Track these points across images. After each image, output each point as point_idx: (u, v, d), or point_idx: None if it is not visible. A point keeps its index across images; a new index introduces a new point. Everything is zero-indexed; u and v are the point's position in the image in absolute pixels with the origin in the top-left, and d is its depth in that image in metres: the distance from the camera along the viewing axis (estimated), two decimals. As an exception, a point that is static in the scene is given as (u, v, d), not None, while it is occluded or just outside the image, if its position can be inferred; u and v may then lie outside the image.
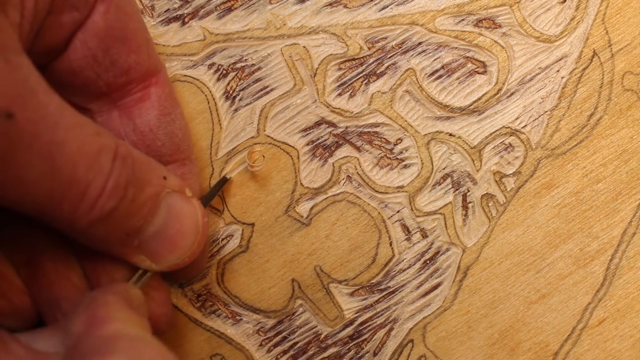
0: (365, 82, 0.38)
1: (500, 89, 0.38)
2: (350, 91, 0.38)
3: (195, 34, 0.38)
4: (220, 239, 0.37)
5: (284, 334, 0.37)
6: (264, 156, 0.37)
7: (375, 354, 0.37)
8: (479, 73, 0.38)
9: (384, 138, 0.38)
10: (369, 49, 0.38)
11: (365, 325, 0.37)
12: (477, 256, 0.37)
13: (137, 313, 0.31)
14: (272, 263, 0.37)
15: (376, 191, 0.38)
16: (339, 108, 0.38)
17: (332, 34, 0.38)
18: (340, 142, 0.38)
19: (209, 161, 0.38)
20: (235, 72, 0.38)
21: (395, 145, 0.38)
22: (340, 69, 0.38)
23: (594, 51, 0.38)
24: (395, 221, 0.38)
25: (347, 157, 0.38)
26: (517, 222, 0.38)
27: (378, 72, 0.38)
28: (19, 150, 0.27)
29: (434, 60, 0.38)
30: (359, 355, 0.37)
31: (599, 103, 0.38)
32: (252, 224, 0.37)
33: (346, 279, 0.37)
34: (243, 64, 0.38)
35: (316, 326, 0.37)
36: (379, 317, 0.37)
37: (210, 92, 0.38)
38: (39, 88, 0.28)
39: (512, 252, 0.37)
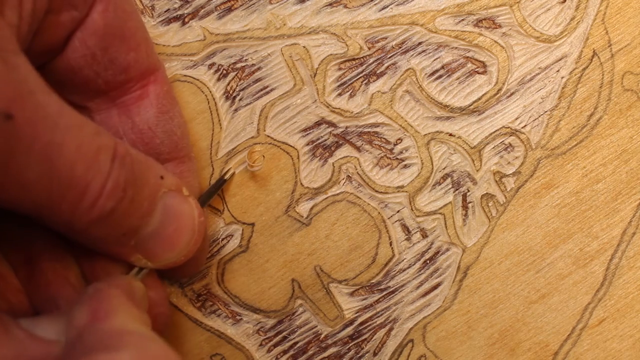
0: (365, 82, 0.38)
1: (500, 89, 0.38)
2: (350, 91, 0.38)
3: (196, 34, 0.38)
4: (220, 239, 0.37)
5: (284, 333, 0.37)
6: (263, 156, 0.37)
7: (375, 354, 0.37)
8: (479, 73, 0.38)
9: (384, 138, 0.38)
10: (369, 49, 0.38)
11: (365, 325, 0.37)
12: (477, 256, 0.37)
13: (138, 308, 0.31)
14: (272, 263, 0.37)
15: (376, 191, 0.38)
16: (339, 108, 0.38)
17: (332, 34, 0.38)
18: (340, 142, 0.38)
19: (209, 161, 0.38)
20: (235, 72, 0.38)
21: (395, 145, 0.38)
22: (340, 69, 0.38)
23: (594, 51, 0.38)
24: (395, 221, 0.38)
25: (347, 157, 0.38)
26: (517, 222, 0.38)
27: (378, 72, 0.38)
28: (18, 151, 0.27)
29: (434, 60, 0.38)
30: (359, 355, 0.37)
31: (599, 103, 0.38)
32: (252, 224, 0.38)
33: (346, 278, 0.37)
34: (243, 64, 0.38)
35: (316, 326, 0.37)
36: (379, 317, 0.37)
37: (210, 92, 0.38)
38: (38, 88, 0.28)
39: (512, 252, 0.37)
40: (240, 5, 0.38)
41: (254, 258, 0.37)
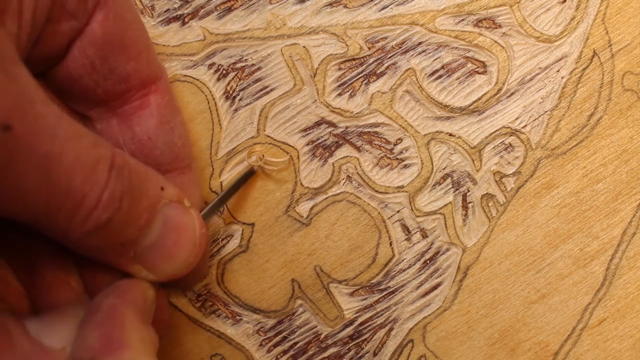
0: (365, 82, 0.38)
1: (500, 89, 0.38)
2: (350, 91, 0.38)
3: (195, 34, 0.38)
4: (220, 239, 0.37)
5: (284, 334, 0.37)
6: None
7: (375, 354, 0.37)
8: (479, 73, 0.38)
9: (384, 138, 0.38)
10: (369, 49, 0.38)
11: (365, 325, 0.37)
12: (477, 256, 0.37)
13: (148, 328, 0.31)
14: (272, 263, 0.37)
15: (376, 191, 0.38)
16: (339, 108, 0.38)
17: (332, 34, 0.38)
18: (340, 142, 0.38)
19: (209, 161, 0.38)
20: (235, 72, 0.38)
21: (395, 145, 0.38)
22: (340, 69, 0.38)
23: (594, 51, 0.38)
24: (395, 221, 0.38)
25: (347, 157, 0.38)
26: (517, 222, 0.38)
27: (378, 72, 0.38)
28: (17, 161, 0.27)
29: (434, 60, 0.38)
30: (359, 355, 0.37)
31: (599, 103, 0.38)
32: (252, 224, 0.37)
33: (346, 279, 0.37)
34: (243, 64, 0.38)
35: (316, 326, 0.37)
36: (379, 317, 0.37)
37: (210, 92, 0.38)
38: (37, 99, 0.28)
39: (512, 252, 0.37)
40: (240, 5, 0.38)
41: (254, 258, 0.37)
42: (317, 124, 0.38)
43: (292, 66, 0.38)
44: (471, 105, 0.38)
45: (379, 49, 0.38)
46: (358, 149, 0.38)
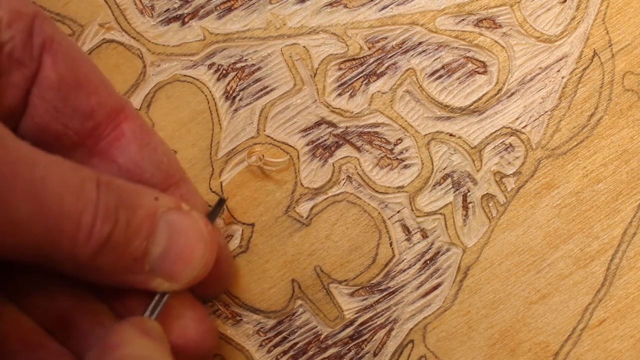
0: (365, 82, 0.38)
1: (500, 89, 0.38)
2: (350, 91, 0.38)
3: (195, 34, 0.38)
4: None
5: (284, 334, 0.37)
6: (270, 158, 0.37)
7: (375, 355, 0.37)
8: (479, 73, 0.38)
9: (384, 138, 0.38)
10: (369, 49, 0.38)
11: (366, 325, 0.37)
12: (478, 256, 0.37)
13: (154, 340, 0.31)
14: (272, 263, 0.37)
15: (376, 191, 0.38)
16: (339, 108, 0.38)
17: (332, 34, 0.38)
18: (340, 142, 0.38)
19: (209, 161, 0.38)
20: (235, 72, 0.38)
21: (395, 145, 0.38)
22: (340, 69, 0.38)
23: (594, 51, 0.38)
24: (396, 221, 0.38)
25: (347, 157, 0.38)
26: (518, 222, 0.37)
27: (378, 72, 0.38)
28: (3, 192, 0.27)
29: (434, 60, 0.38)
30: (359, 356, 0.37)
31: (600, 103, 0.38)
32: (252, 224, 0.37)
33: (346, 279, 0.37)
34: (243, 64, 0.38)
35: (316, 326, 0.37)
36: (379, 317, 0.37)
37: (210, 92, 0.38)
38: (7, 135, 0.29)
39: (513, 252, 0.37)
40: (240, 5, 0.38)
41: (254, 258, 0.37)
42: (317, 124, 0.38)
43: (292, 66, 0.38)
44: (471, 105, 0.38)
45: (379, 49, 0.38)
46: (358, 149, 0.38)
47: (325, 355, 0.37)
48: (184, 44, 0.38)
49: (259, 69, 0.38)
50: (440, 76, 0.38)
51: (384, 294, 0.37)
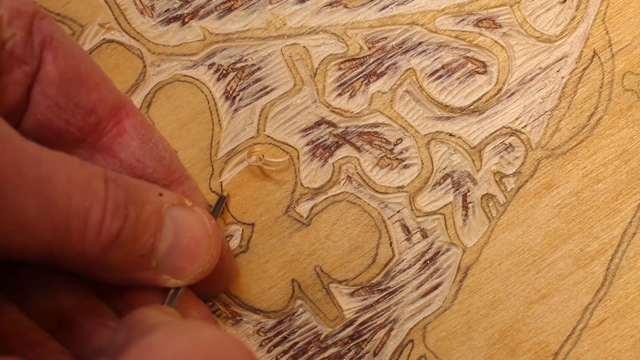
0: (365, 82, 0.38)
1: (500, 89, 0.38)
2: (350, 91, 0.38)
3: (195, 34, 0.38)
4: (220, 239, 0.37)
5: (284, 334, 0.37)
6: (268, 158, 0.37)
7: (375, 354, 0.37)
8: (479, 73, 0.38)
9: (384, 138, 0.38)
10: (369, 49, 0.38)
11: (366, 325, 0.37)
12: (477, 256, 0.37)
13: (177, 317, 0.31)
14: (272, 263, 0.37)
15: (376, 191, 0.38)
16: (339, 108, 0.38)
17: (332, 34, 0.38)
18: (340, 142, 0.38)
19: (209, 161, 0.38)
20: (235, 72, 0.38)
21: (395, 145, 0.38)
22: (340, 69, 0.38)
23: (594, 51, 0.38)
24: (396, 221, 0.38)
25: (347, 157, 0.38)
26: (517, 222, 0.37)
27: (378, 72, 0.38)
28: (9, 192, 0.27)
29: (434, 60, 0.38)
30: (359, 356, 0.37)
31: (599, 103, 0.38)
32: (252, 224, 0.37)
33: (346, 279, 0.37)
34: (243, 64, 0.38)
35: (316, 326, 0.37)
36: (379, 317, 0.37)
37: (210, 92, 0.38)
38: (12, 135, 0.29)
39: (512, 252, 0.37)
40: (240, 5, 0.38)
41: (254, 258, 0.37)
42: (317, 124, 0.38)
43: (292, 66, 0.38)
44: (471, 105, 0.38)
45: (379, 49, 0.38)
46: (358, 149, 0.38)
47: (325, 355, 0.37)
48: (184, 44, 0.38)
49: (259, 69, 0.38)
50: (440, 76, 0.38)
51: (384, 293, 0.37)
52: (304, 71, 0.38)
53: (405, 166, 0.38)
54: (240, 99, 0.38)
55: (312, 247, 0.37)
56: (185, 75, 0.38)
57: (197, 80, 0.38)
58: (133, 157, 0.34)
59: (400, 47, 0.38)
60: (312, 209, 0.38)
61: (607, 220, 0.37)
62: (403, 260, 0.37)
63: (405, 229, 0.38)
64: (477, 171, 0.38)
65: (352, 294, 0.37)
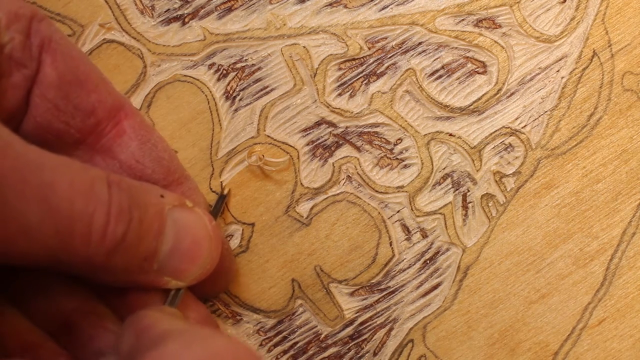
0: (365, 82, 0.38)
1: (500, 89, 0.38)
2: (350, 91, 0.38)
3: (195, 34, 0.38)
4: (220, 239, 0.37)
5: (284, 333, 0.37)
6: (268, 158, 0.37)
7: (375, 354, 0.37)
8: (479, 73, 0.38)
9: (384, 138, 0.38)
10: (369, 49, 0.38)
11: (365, 325, 0.37)
12: (477, 256, 0.37)
13: (182, 319, 0.31)
14: (272, 263, 0.37)
15: (376, 191, 0.38)
16: (339, 108, 0.38)
17: (332, 34, 0.38)
18: (340, 142, 0.38)
19: (209, 161, 0.38)
20: (235, 72, 0.38)
21: (395, 145, 0.38)
22: (340, 69, 0.38)
23: (594, 51, 0.38)
24: (395, 221, 0.38)
25: (347, 157, 0.38)
26: (517, 222, 0.38)
27: (378, 72, 0.38)
28: (12, 198, 0.27)
29: (434, 60, 0.38)
30: (359, 355, 0.37)
31: (599, 103, 0.38)
32: (252, 224, 0.38)
33: (346, 279, 0.37)
34: (243, 64, 0.38)
35: (316, 326, 0.37)
36: (379, 317, 0.37)
37: (210, 92, 0.38)
38: (14, 141, 0.29)
39: (512, 252, 0.37)
40: (240, 5, 0.38)
41: (254, 258, 0.37)
42: (317, 124, 0.38)
43: (292, 66, 0.38)
44: (471, 105, 0.38)
45: (379, 49, 0.38)
46: (358, 149, 0.38)
47: (325, 354, 0.37)
48: (184, 44, 0.38)
49: (259, 69, 0.38)
50: (440, 76, 0.38)
51: (384, 293, 0.37)
52: (304, 71, 0.38)
53: (405, 166, 0.38)
54: (240, 99, 0.38)
55: (312, 246, 0.37)
56: (185, 75, 0.38)
57: (198, 80, 0.38)
58: (132, 158, 0.34)
59: (400, 47, 0.38)
60: (312, 208, 0.38)
61: (606, 220, 0.37)
62: (403, 260, 0.38)
63: (405, 228, 0.38)
64: (477, 171, 0.38)
65: (352, 294, 0.37)
